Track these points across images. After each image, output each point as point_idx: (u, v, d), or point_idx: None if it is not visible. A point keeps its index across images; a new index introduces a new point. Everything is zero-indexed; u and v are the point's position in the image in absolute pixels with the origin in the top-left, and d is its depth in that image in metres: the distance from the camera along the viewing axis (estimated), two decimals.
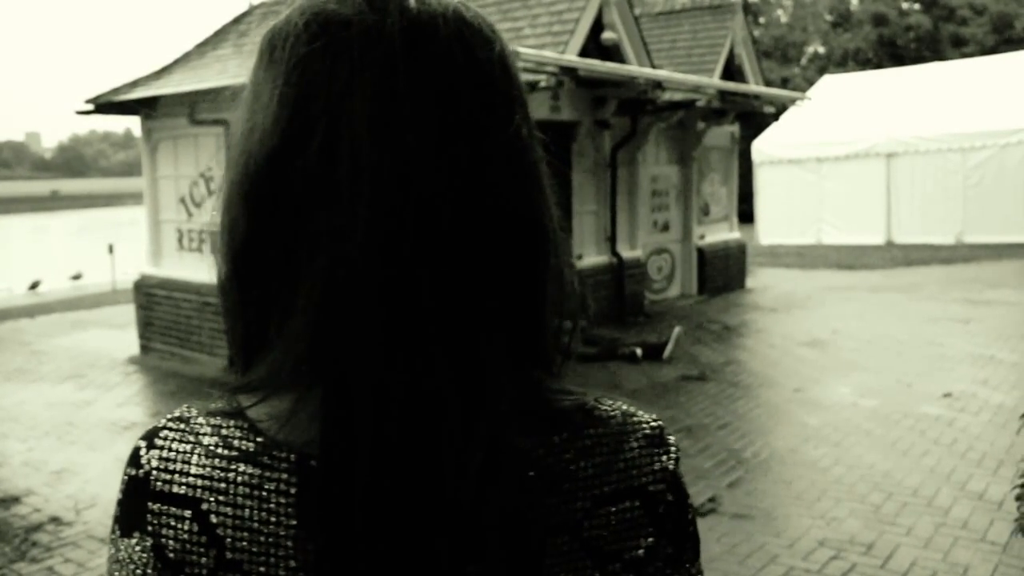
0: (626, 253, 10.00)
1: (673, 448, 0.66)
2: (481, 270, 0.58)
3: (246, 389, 0.62)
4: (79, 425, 6.34)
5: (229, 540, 0.57)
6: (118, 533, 0.61)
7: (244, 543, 0.57)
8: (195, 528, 0.58)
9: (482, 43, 0.62)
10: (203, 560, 0.58)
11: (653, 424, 0.66)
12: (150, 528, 0.59)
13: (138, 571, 0.60)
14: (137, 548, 0.60)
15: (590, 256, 9.58)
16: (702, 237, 11.64)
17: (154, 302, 8.83)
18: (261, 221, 0.60)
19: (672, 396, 6.79)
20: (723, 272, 11.98)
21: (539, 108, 8.28)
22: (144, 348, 8.91)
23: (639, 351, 7.96)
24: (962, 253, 15.56)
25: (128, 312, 9.89)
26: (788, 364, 7.81)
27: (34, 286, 16.11)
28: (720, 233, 12.12)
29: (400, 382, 0.55)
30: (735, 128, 12.24)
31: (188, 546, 0.58)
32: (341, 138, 0.57)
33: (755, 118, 13.08)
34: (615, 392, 6.76)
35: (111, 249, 15.97)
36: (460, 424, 0.56)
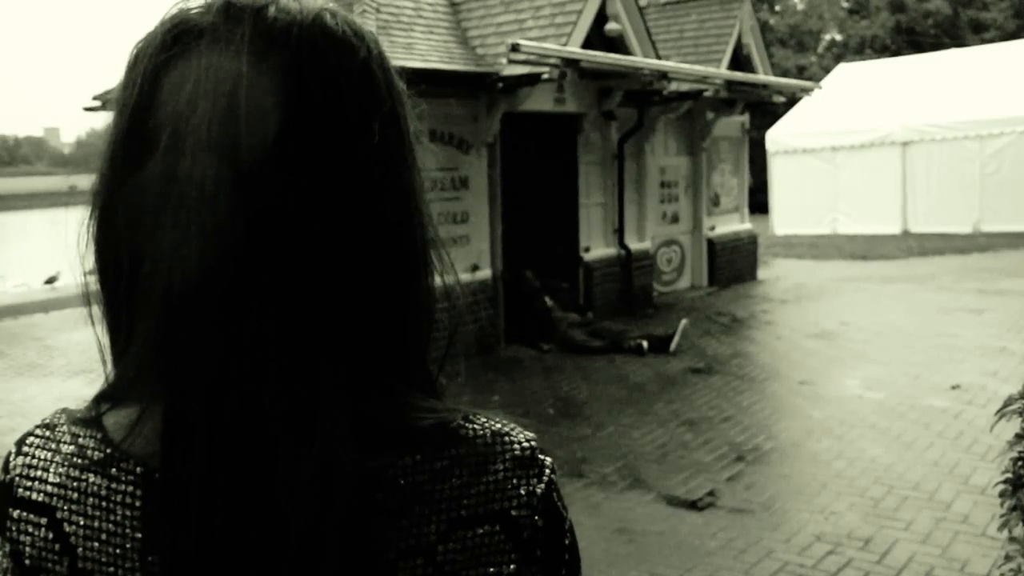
0: (634, 245, 9.95)
1: (546, 470, 0.63)
2: (324, 288, 0.57)
3: (103, 397, 0.62)
4: None
5: (81, 549, 0.58)
6: None
7: (95, 553, 0.58)
8: (50, 536, 0.59)
9: (341, 51, 0.60)
10: (57, 568, 0.58)
11: (524, 445, 0.63)
12: (9, 534, 0.60)
13: None
14: None
15: (598, 248, 9.54)
16: (712, 228, 11.56)
17: None
18: (114, 228, 0.60)
19: (677, 389, 6.75)
20: (734, 263, 11.90)
21: (543, 100, 8.25)
22: None
23: (645, 344, 7.93)
24: (979, 242, 15.36)
25: None
26: (795, 356, 7.75)
27: (51, 281, 16.25)
28: (731, 224, 12.04)
29: (234, 400, 0.54)
30: (745, 118, 12.14)
31: (43, 553, 0.59)
32: (183, 149, 0.56)
33: (767, 108, 12.97)
34: (620, 385, 6.80)
35: None
36: (291, 444, 0.54)
